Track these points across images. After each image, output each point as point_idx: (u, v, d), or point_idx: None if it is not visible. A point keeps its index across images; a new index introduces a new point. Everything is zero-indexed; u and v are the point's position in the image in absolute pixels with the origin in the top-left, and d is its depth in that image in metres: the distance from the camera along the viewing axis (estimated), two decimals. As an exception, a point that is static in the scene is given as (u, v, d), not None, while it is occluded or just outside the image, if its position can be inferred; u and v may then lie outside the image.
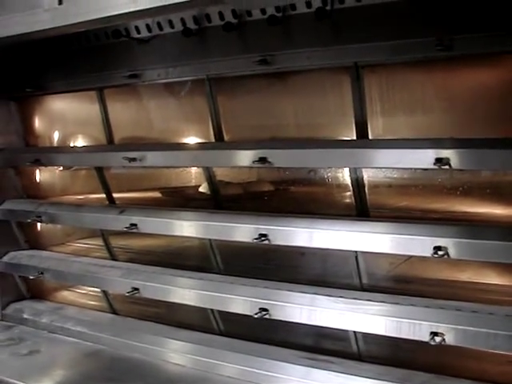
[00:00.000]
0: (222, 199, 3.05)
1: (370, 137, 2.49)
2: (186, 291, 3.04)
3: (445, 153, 2.16)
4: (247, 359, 2.90)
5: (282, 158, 2.62)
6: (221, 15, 2.66)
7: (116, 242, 3.60)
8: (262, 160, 2.61)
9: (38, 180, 4.00)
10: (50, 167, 3.85)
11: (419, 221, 2.42)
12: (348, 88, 2.48)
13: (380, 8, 2.27)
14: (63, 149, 3.75)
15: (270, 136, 2.86)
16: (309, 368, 2.73)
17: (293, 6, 2.47)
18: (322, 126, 2.71)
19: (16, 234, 3.94)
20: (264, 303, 2.73)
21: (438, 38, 2.14)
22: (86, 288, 3.84)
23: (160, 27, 2.88)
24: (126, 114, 3.45)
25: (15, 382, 3.00)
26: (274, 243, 2.68)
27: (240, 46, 2.71)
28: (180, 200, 3.34)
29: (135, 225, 3.15)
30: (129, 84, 3.16)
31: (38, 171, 3.97)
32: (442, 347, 2.29)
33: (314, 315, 2.62)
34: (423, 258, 2.40)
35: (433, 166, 2.18)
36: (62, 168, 3.93)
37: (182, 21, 2.78)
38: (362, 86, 2.44)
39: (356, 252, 2.60)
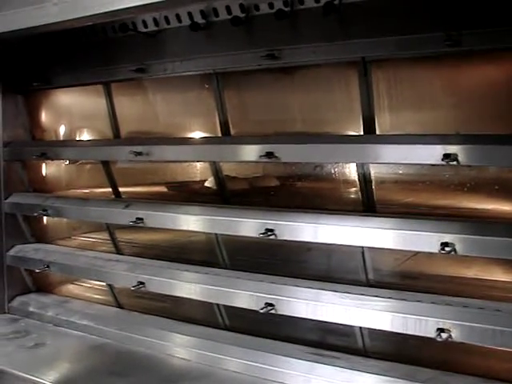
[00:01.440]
0: (228, 194, 3.05)
1: (378, 132, 2.49)
2: (191, 285, 3.04)
3: (452, 149, 2.16)
4: (252, 354, 2.90)
5: (288, 153, 2.62)
6: (228, 9, 2.66)
7: (122, 236, 3.61)
8: (269, 155, 2.60)
9: (44, 174, 4.00)
10: (56, 161, 3.86)
11: (426, 217, 2.41)
12: (355, 83, 2.48)
13: (388, 2, 2.26)
14: (70, 143, 3.75)
15: (277, 131, 2.86)
16: (314, 363, 2.73)
17: (301, 1, 2.48)
18: (329, 121, 2.71)
19: (22, 227, 3.95)
20: (270, 298, 2.73)
21: (447, 34, 2.13)
22: (91, 282, 3.85)
23: (167, 21, 2.89)
24: (132, 108, 3.45)
25: (21, 374, 3.01)
26: (280, 238, 2.67)
27: (247, 40, 2.71)
28: (186, 194, 3.34)
29: (141, 219, 3.15)
30: (136, 78, 3.16)
31: (44, 165, 3.98)
32: (448, 343, 2.29)
33: (320, 310, 2.62)
34: (430, 254, 2.40)
35: (440, 162, 2.17)
36: (68, 162, 3.94)
37: (190, 15, 2.78)
38: (369, 81, 2.44)
39: (362, 248, 2.60)
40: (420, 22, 2.23)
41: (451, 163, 2.15)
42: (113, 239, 3.61)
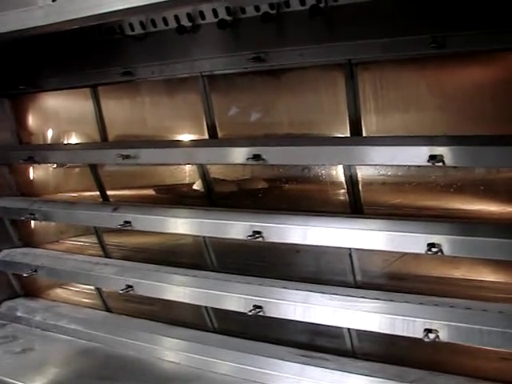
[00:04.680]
0: (216, 196, 3.05)
1: (364, 134, 2.50)
2: (180, 288, 3.04)
3: (439, 150, 2.16)
4: (241, 356, 2.90)
5: (276, 155, 2.62)
6: (215, 12, 2.66)
7: (110, 240, 3.60)
8: (256, 157, 2.60)
9: (31, 177, 3.99)
10: (43, 165, 3.84)
11: (413, 218, 2.42)
12: (342, 85, 2.48)
13: (374, 5, 2.26)
14: (57, 146, 3.74)
15: (264, 133, 2.86)
16: (303, 365, 2.73)
17: (287, 3, 2.47)
18: (316, 123, 2.71)
19: (10, 231, 3.94)
20: (258, 300, 2.73)
21: (432, 36, 2.14)
22: (79, 286, 3.84)
23: (154, 24, 2.87)
24: (119, 112, 3.44)
25: (9, 380, 3.00)
26: (268, 240, 2.67)
27: (234, 43, 2.71)
28: (174, 197, 3.34)
29: (129, 222, 3.14)
30: (123, 81, 3.15)
31: (31, 169, 3.96)
32: (436, 344, 2.30)
33: (309, 312, 2.62)
34: (417, 255, 2.41)
35: (427, 163, 2.18)
36: (55, 165, 3.92)
37: (176, 18, 2.77)
38: (355, 83, 2.45)
39: (350, 249, 2.61)
40: (405, 24, 2.23)
41: (437, 164, 2.16)
42: (101, 243, 3.61)
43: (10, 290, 3.99)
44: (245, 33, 2.64)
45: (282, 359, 2.81)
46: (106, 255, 3.61)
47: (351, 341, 2.74)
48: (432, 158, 2.16)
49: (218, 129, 2.92)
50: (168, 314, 3.36)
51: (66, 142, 3.76)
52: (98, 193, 3.54)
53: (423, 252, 2.25)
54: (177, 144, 3.11)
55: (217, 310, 3.10)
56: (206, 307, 3.13)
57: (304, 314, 2.64)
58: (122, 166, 3.34)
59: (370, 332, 2.52)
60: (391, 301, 2.45)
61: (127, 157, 3.07)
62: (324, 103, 2.66)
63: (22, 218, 3.71)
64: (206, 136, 2.96)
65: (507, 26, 2.01)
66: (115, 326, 3.45)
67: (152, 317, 3.42)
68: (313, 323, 2.66)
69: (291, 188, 2.86)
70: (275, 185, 2.94)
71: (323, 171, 2.70)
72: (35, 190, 3.95)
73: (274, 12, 2.51)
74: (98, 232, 3.58)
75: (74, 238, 3.94)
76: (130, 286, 3.19)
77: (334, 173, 2.67)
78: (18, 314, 3.82)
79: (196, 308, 3.15)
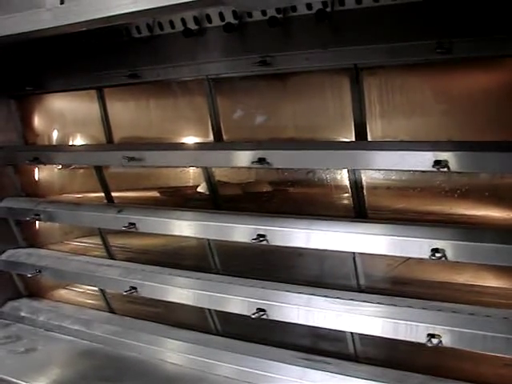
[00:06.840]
0: (220, 199, 3.05)
1: (369, 138, 2.50)
2: (183, 291, 3.05)
3: (443, 155, 2.17)
4: (244, 359, 2.91)
5: (280, 159, 2.63)
6: (221, 16, 2.67)
7: (114, 241, 3.61)
8: (261, 161, 2.61)
9: (36, 178, 4.00)
10: (49, 166, 3.85)
11: (417, 223, 2.42)
12: (347, 90, 2.49)
13: (380, 10, 2.27)
14: (62, 147, 3.74)
15: (269, 137, 2.86)
16: (305, 368, 2.73)
17: (293, 8, 2.48)
18: (321, 127, 2.71)
19: (14, 231, 3.95)
20: (261, 303, 2.74)
21: (438, 41, 2.14)
22: (83, 286, 3.85)
23: (161, 27, 2.89)
24: (125, 114, 3.45)
25: (12, 379, 3.01)
26: (272, 244, 2.68)
27: (240, 46, 2.72)
28: (178, 200, 3.34)
29: (134, 224, 3.15)
30: (129, 83, 3.16)
31: (37, 169, 3.97)
32: (439, 349, 2.30)
33: (312, 316, 2.63)
34: (421, 260, 2.40)
35: (431, 169, 2.18)
36: (60, 166, 3.93)
37: (183, 21, 2.78)
38: (361, 88, 2.45)
39: (354, 253, 2.61)
40: (411, 29, 2.24)
41: (442, 170, 2.17)
42: (105, 244, 3.61)
43: (14, 290, 4.00)
44: (251, 36, 2.65)
45: (284, 362, 2.81)
46: (110, 257, 3.62)
47: (354, 345, 2.74)
48: (437, 163, 2.17)
49: (223, 132, 2.93)
50: (171, 316, 3.36)
51: (71, 144, 3.77)
52: (102, 194, 3.54)
53: (427, 257, 2.26)
54: (182, 147, 3.12)
55: (220, 313, 3.10)
56: (209, 309, 3.13)
57: (307, 318, 2.64)
58: (127, 168, 3.35)
59: (373, 336, 2.52)
60: (394, 305, 2.46)
61: (132, 159, 3.08)
62: (329, 107, 2.66)
63: (27, 219, 3.72)
64: (211, 139, 2.96)
65: (513, 33, 2.02)
66: (118, 327, 3.45)
67: (155, 318, 3.43)
68: (316, 327, 2.66)
69: (296, 192, 2.87)
70: (280, 188, 2.94)
71: (328, 175, 2.70)
72: (40, 191, 3.96)
73: (280, 16, 2.51)
74: (102, 233, 3.58)
75: (78, 239, 3.94)
76: (134, 288, 3.20)
77: (338, 177, 2.67)
78: (22, 314, 3.82)
79: (199, 310, 3.16)
